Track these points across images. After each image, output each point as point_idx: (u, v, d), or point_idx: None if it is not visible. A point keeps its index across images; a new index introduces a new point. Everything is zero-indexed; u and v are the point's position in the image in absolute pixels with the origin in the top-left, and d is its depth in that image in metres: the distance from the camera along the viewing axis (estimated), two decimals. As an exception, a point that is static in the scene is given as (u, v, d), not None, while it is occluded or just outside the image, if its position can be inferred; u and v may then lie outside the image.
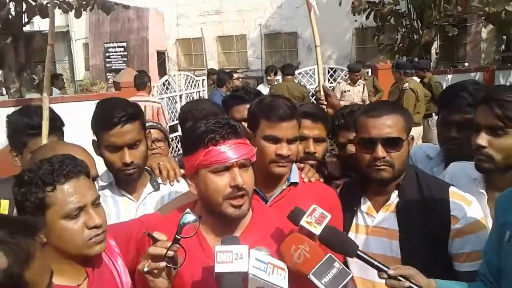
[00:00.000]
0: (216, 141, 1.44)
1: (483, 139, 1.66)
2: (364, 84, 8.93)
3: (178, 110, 8.11)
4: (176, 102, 8.70)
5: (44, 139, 2.19)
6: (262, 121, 1.85)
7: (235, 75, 8.98)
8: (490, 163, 1.70)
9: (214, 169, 1.45)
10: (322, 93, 2.86)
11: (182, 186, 2.12)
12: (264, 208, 1.73)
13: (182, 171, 2.17)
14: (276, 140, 1.82)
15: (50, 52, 2.67)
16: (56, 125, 2.37)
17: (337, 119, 2.40)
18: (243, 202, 1.48)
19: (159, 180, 2.14)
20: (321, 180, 2.08)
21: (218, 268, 1.26)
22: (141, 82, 6.86)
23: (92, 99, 6.80)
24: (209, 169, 1.46)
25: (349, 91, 8.76)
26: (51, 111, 2.37)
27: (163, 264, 1.32)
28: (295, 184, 1.94)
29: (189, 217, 1.34)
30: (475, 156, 1.73)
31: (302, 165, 2.07)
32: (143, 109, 7.62)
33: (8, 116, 2.34)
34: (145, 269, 1.33)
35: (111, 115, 1.92)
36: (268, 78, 8.95)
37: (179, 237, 1.33)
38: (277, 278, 1.27)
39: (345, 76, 9.82)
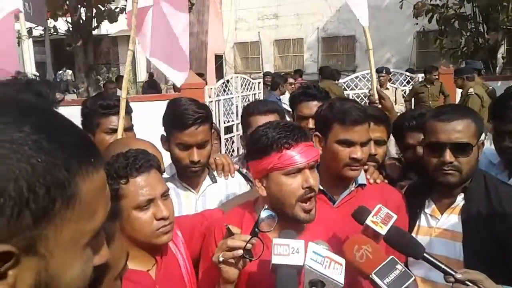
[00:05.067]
0: (289, 145, 1.49)
1: None
2: (396, 89, 8.59)
3: (234, 112, 8.30)
4: (232, 104, 8.84)
5: (119, 135, 2.31)
6: (335, 125, 1.84)
7: (290, 80, 9.04)
8: None
9: (288, 171, 1.50)
10: (376, 96, 2.86)
11: (236, 180, 2.22)
12: (327, 209, 1.75)
13: (237, 166, 2.26)
14: (350, 144, 1.82)
15: (130, 57, 2.78)
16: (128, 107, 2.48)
17: (408, 120, 2.37)
18: (312, 206, 1.53)
19: (215, 174, 2.22)
20: (386, 181, 2.07)
21: (275, 260, 1.30)
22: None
23: (153, 100, 7.14)
24: (282, 172, 1.50)
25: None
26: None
27: (239, 252, 1.37)
28: (362, 185, 1.94)
29: (267, 212, 1.41)
30: None
31: (366, 166, 2.06)
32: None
33: (83, 102, 2.49)
34: (220, 259, 1.38)
35: (186, 115, 1.99)
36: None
37: (258, 231, 1.39)
38: (334, 272, 1.27)
39: (404, 80, 9.54)
